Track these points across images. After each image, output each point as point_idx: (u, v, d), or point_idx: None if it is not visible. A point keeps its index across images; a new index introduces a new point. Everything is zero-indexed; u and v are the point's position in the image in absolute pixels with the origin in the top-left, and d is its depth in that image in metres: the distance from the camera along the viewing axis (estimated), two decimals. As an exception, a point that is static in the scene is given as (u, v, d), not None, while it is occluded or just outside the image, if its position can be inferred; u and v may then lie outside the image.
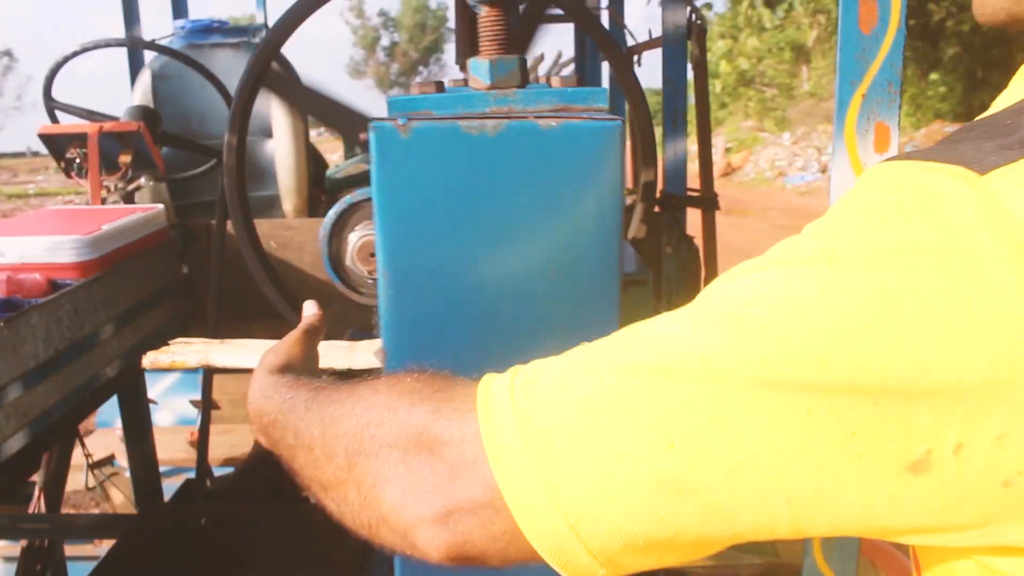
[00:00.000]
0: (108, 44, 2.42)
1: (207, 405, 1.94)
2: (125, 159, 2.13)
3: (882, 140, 0.81)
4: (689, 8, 1.70)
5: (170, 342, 1.22)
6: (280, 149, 2.97)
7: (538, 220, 0.71)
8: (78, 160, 2.11)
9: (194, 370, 3.20)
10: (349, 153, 4.11)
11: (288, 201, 3.00)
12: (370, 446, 0.57)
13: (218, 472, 2.42)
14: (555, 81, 0.82)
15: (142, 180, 2.22)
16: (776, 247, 0.48)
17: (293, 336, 0.85)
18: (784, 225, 10.12)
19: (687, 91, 1.82)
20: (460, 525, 0.52)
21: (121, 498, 2.79)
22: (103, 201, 2.11)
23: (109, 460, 2.56)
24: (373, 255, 0.83)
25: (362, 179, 3.66)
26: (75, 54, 2.27)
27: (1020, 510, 0.40)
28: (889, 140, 0.82)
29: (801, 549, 1.25)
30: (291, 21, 1.53)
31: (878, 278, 0.41)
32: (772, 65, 19.45)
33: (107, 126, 2.07)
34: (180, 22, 3.35)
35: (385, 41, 35.22)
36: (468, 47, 3.26)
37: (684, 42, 1.76)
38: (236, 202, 1.57)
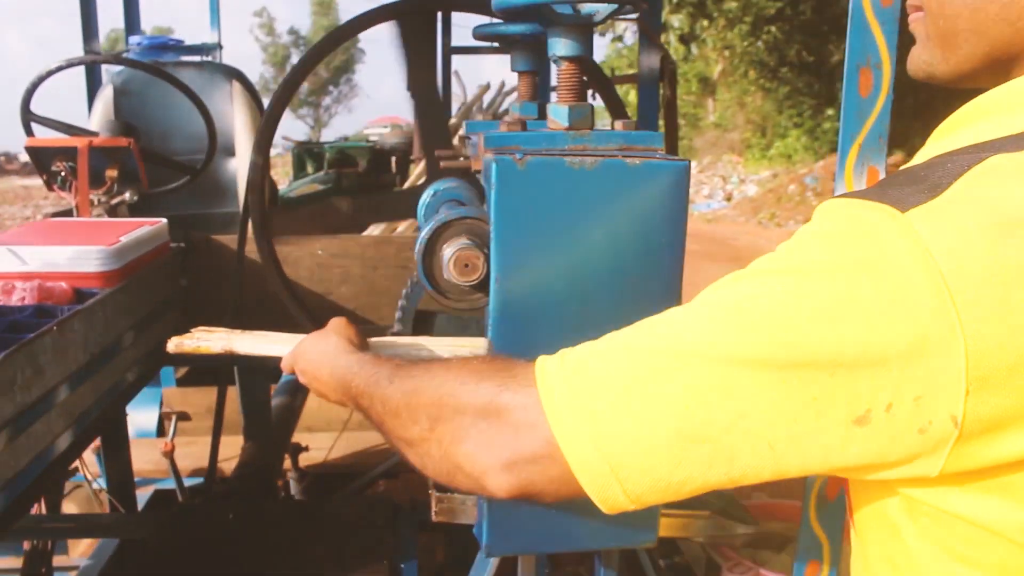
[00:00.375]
0: (95, 61, 2.46)
1: (219, 413, 2.01)
2: (112, 173, 2.19)
3: (873, 180, 1.02)
4: (662, 53, 1.91)
5: (192, 329, 1.24)
6: (243, 168, 3.04)
7: (622, 236, 0.88)
8: (63, 173, 2.15)
9: (153, 388, 3.20)
10: (299, 174, 4.18)
11: (249, 218, 3.06)
12: (447, 413, 0.74)
13: (188, 482, 2.46)
14: (619, 125, 0.99)
15: (126, 195, 2.28)
16: (756, 261, 0.66)
17: (340, 321, 1.00)
18: (694, 250, 10.48)
19: (658, 126, 2.04)
20: (524, 472, 0.69)
21: (74, 511, 2.78)
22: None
23: (71, 473, 2.56)
24: (468, 266, 0.97)
25: (313, 198, 3.75)
26: (59, 68, 2.31)
27: (931, 449, 0.58)
28: (878, 180, 1.02)
29: (779, 520, 1.44)
30: (315, 56, 1.67)
31: (829, 285, 0.58)
32: (679, 96, 20.26)
33: (96, 141, 2.13)
34: (136, 39, 3.38)
35: (295, 59, 34.84)
36: (415, 73, 3.46)
37: (657, 83, 1.97)
38: (259, 219, 1.69)
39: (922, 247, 0.56)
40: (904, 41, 0.98)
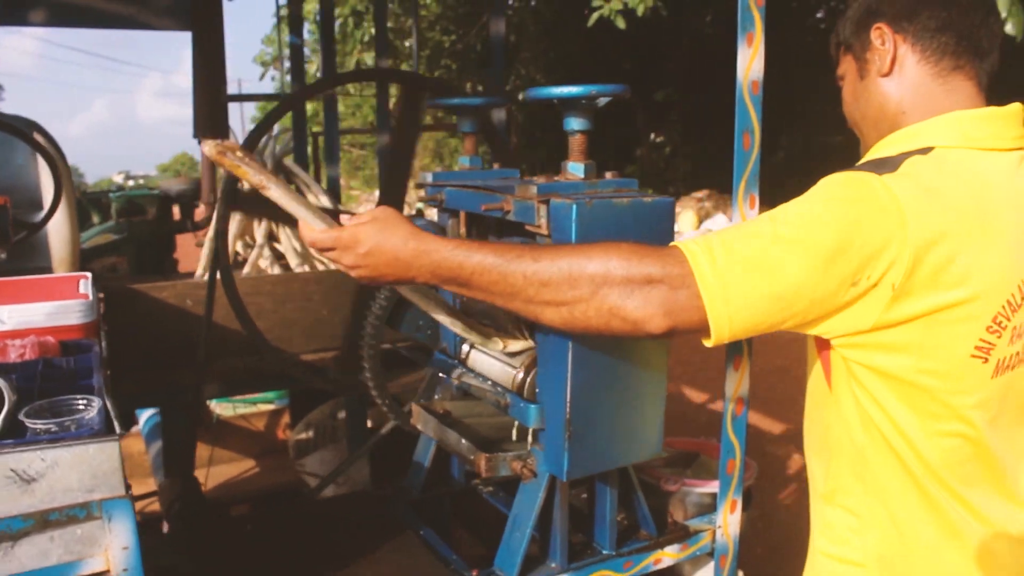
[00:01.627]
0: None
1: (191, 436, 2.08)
2: (-20, 233, 2.16)
3: (753, 204, 1.58)
4: (506, 107, 2.39)
5: (227, 143, 1.22)
6: (54, 221, 2.96)
7: (640, 240, 1.34)
8: (-75, 234, 2.09)
9: None
10: (84, 224, 3.97)
11: (61, 271, 2.99)
12: (613, 280, 1.10)
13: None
14: (609, 175, 1.45)
15: (-6, 253, 2.24)
16: (807, 192, 1.14)
17: (392, 210, 1.21)
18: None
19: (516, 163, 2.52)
20: (677, 317, 1.11)
21: None
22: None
23: None
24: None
25: (108, 248, 3.67)
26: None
27: (877, 302, 1.08)
28: (755, 202, 1.59)
29: (677, 449, 1.97)
30: (281, 110, 1.92)
31: (847, 209, 1.09)
32: (356, 126, 20.83)
33: (-30, 201, 2.10)
34: None
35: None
36: (207, 126, 3.85)
37: (507, 130, 2.44)
38: (225, 263, 1.90)
39: (893, 193, 1.08)
40: (767, 114, 1.56)
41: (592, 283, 1.10)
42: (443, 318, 1.48)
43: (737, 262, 1.09)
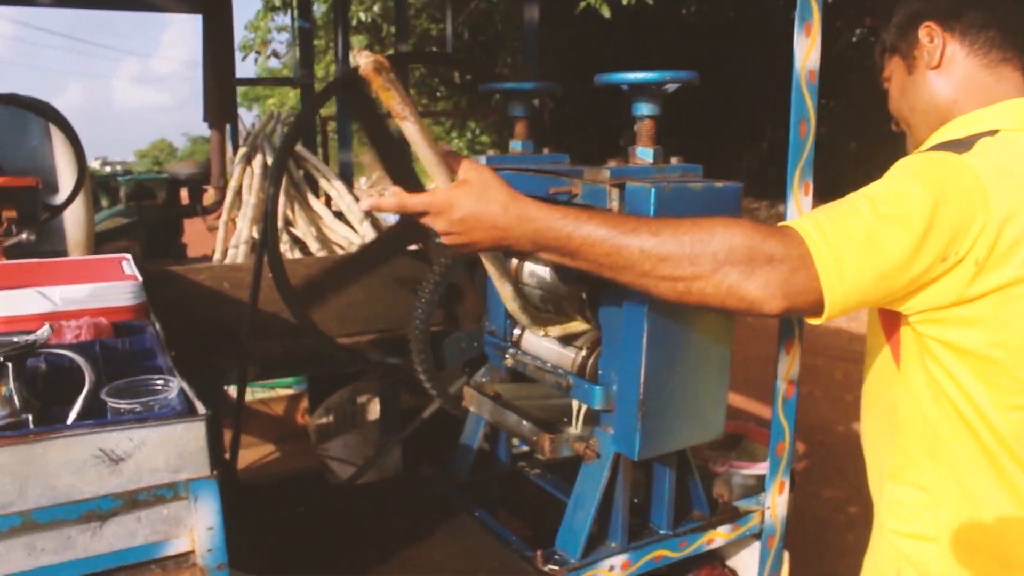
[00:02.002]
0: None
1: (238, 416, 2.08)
2: (10, 214, 2.13)
3: (807, 190, 1.60)
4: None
5: (384, 65, 1.08)
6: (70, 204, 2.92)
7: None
8: (-46, 215, 2.06)
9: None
10: (96, 208, 3.91)
11: (76, 254, 2.96)
12: (736, 259, 1.08)
13: None
14: (675, 160, 1.47)
15: (23, 235, 2.22)
16: (890, 173, 1.18)
17: (484, 170, 1.16)
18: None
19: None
20: (794, 299, 1.11)
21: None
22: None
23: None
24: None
25: (120, 232, 3.63)
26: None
27: (961, 277, 1.12)
28: (809, 189, 1.61)
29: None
30: (327, 92, 1.90)
31: (931, 185, 1.11)
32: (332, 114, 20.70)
33: (2, 180, 2.07)
34: None
35: None
36: (217, 110, 3.80)
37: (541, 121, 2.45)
38: (274, 245, 1.90)
39: (973, 171, 1.12)
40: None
41: (714, 260, 1.08)
42: (507, 291, 1.49)
43: (848, 242, 1.10)
